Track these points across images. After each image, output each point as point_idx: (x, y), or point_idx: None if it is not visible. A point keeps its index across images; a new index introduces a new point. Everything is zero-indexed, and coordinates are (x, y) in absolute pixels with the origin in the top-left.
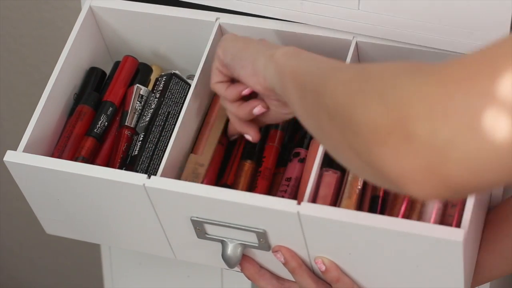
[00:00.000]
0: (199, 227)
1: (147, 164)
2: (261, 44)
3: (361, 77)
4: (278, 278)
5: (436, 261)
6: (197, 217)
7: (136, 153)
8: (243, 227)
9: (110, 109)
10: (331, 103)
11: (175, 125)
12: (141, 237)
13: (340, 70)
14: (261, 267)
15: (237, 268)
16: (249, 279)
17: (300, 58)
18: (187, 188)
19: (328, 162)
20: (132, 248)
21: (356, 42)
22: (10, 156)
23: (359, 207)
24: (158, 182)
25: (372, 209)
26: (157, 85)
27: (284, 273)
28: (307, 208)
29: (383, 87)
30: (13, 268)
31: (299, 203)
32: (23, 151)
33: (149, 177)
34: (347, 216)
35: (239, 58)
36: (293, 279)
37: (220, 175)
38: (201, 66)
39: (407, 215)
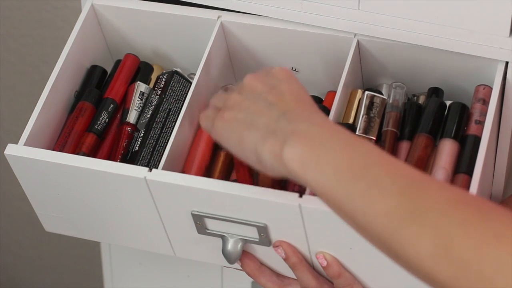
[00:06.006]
0: (200, 222)
1: (147, 160)
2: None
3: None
4: (278, 275)
5: None
6: (198, 211)
7: (136, 149)
8: (244, 221)
9: (111, 106)
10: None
11: (176, 122)
12: (141, 234)
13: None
14: (261, 263)
15: (237, 265)
16: (249, 275)
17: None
18: (188, 181)
19: None
20: (131, 245)
21: (358, 40)
22: (11, 150)
23: None
24: (160, 175)
25: None
26: (159, 82)
27: (285, 270)
28: (308, 201)
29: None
30: (13, 268)
31: (300, 196)
32: (24, 145)
33: (150, 170)
34: None
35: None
36: (293, 277)
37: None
38: (202, 64)
39: None
